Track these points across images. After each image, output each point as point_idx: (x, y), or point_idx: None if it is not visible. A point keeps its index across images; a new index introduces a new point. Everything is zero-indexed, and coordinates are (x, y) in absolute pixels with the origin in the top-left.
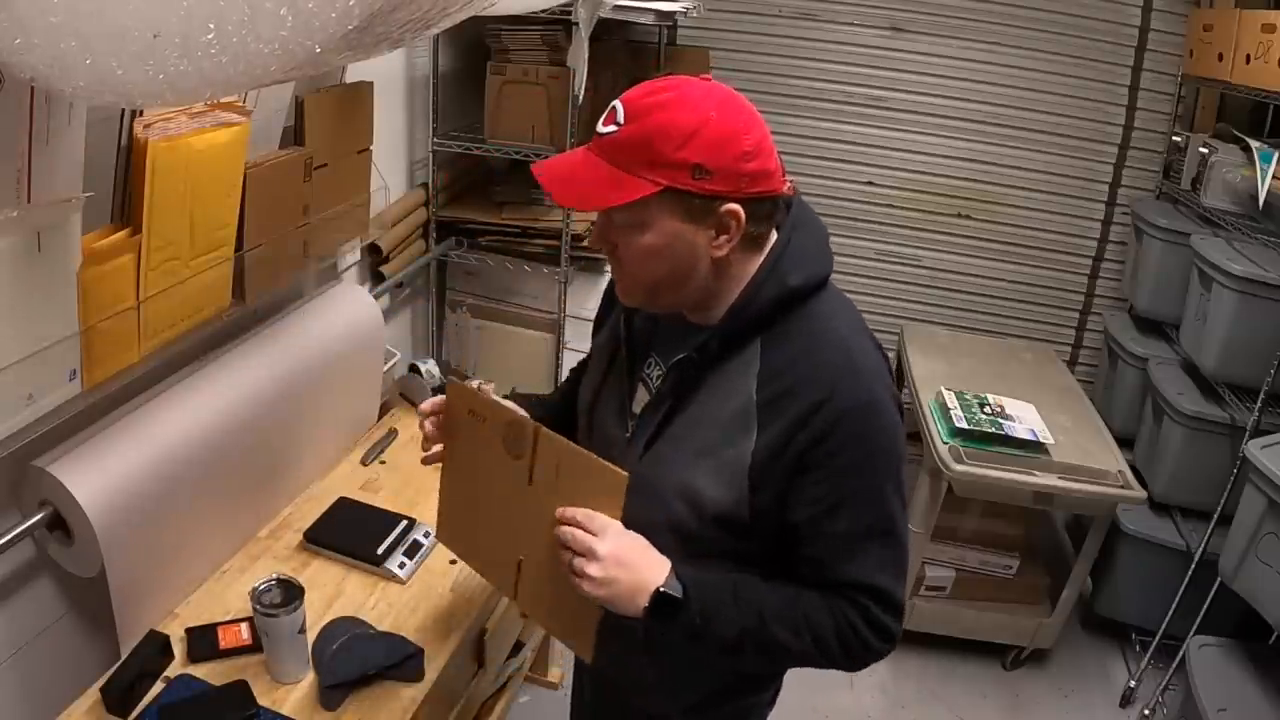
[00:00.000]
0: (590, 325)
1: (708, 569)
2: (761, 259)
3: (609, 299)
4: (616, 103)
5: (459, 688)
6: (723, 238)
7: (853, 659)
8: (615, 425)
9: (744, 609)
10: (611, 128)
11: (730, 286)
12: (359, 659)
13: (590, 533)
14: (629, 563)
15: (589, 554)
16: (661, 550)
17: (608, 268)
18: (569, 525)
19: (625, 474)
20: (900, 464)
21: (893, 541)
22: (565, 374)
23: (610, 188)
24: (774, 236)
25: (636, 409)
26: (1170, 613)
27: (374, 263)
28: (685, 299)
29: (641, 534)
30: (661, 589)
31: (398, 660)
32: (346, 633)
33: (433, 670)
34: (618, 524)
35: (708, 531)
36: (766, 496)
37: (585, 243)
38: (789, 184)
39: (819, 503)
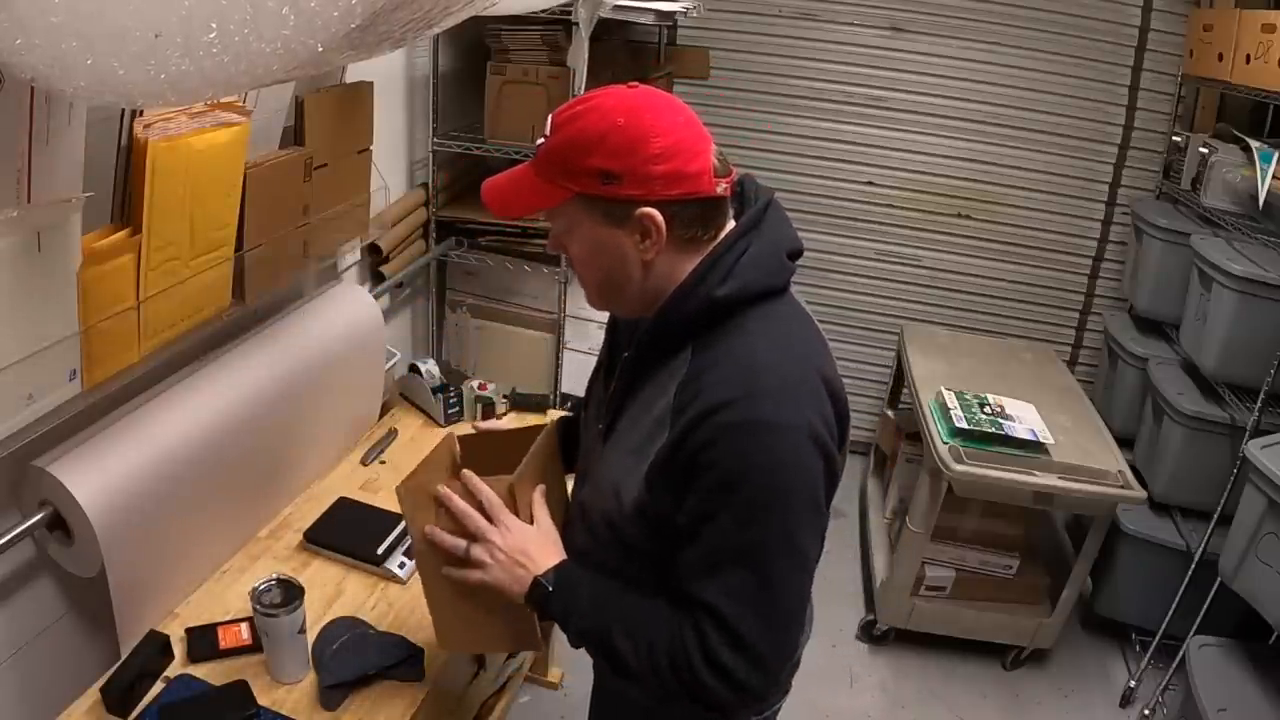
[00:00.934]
0: (590, 325)
1: (623, 579)
2: (678, 271)
3: None
4: (552, 115)
5: (459, 688)
6: (646, 241)
7: (685, 687)
8: (596, 417)
9: (597, 613)
10: (541, 140)
11: (669, 288)
12: (359, 659)
13: (489, 519)
14: (518, 550)
15: (481, 535)
16: (597, 538)
17: None
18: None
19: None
20: (790, 501)
21: (759, 577)
22: (565, 374)
23: (530, 196)
24: (722, 236)
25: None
26: (1170, 613)
27: (374, 263)
28: (633, 301)
29: (593, 522)
30: (538, 577)
31: (398, 660)
32: (346, 632)
33: (433, 670)
34: (513, 518)
35: (629, 527)
36: (660, 500)
37: None
38: (724, 185)
39: (695, 513)
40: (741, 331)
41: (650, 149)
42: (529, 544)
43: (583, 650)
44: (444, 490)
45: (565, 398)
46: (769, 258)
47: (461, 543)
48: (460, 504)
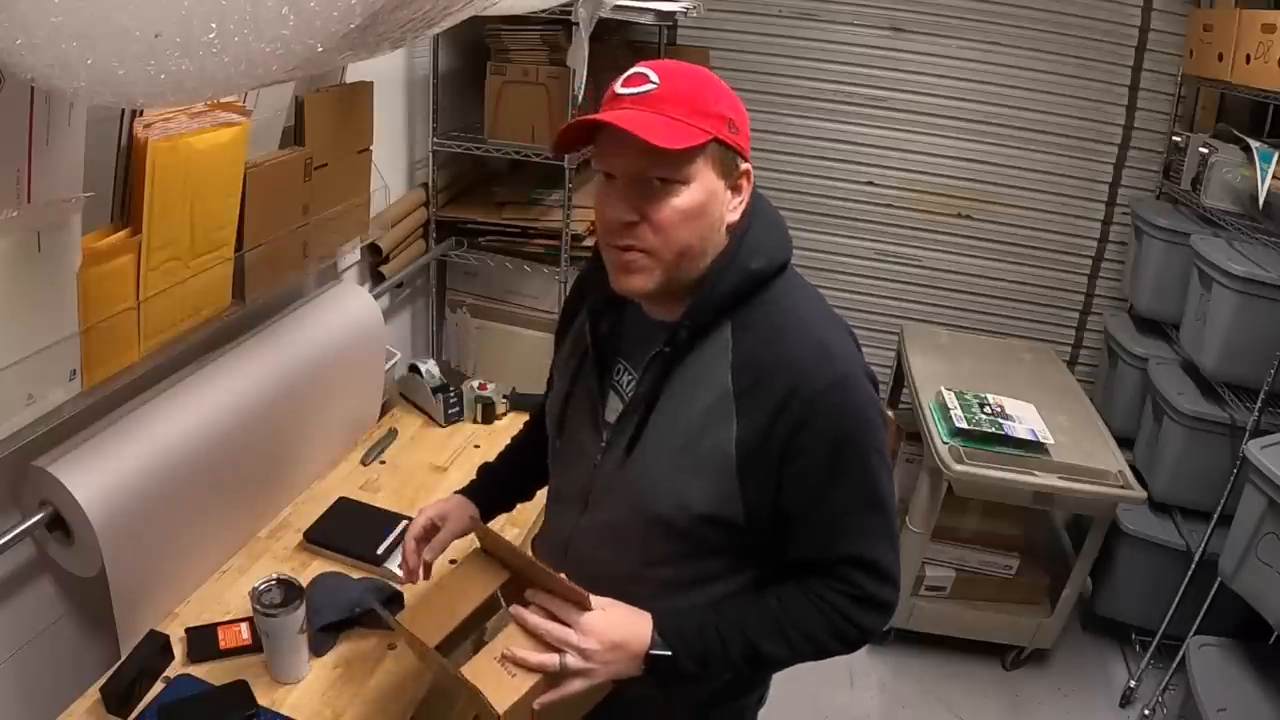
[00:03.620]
0: None
1: (698, 584)
2: (725, 243)
3: (568, 313)
4: (642, 68)
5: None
6: (737, 199)
7: (851, 645)
8: (589, 436)
9: (730, 641)
10: (648, 86)
11: (704, 267)
12: (345, 601)
13: (563, 623)
14: (610, 634)
15: (566, 644)
16: (652, 554)
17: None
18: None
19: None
20: (879, 435)
21: (881, 510)
22: None
23: (677, 131)
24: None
25: (611, 418)
26: (1170, 613)
27: (374, 263)
28: (697, 271)
29: (630, 542)
30: (651, 651)
31: (381, 600)
32: (330, 580)
33: (433, 670)
34: (584, 615)
35: (697, 529)
36: (755, 488)
37: (585, 243)
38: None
39: (809, 488)
40: (778, 302)
41: (744, 112)
42: (617, 622)
43: None
44: (516, 610)
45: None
46: (778, 231)
47: (553, 659)
48: (535, 620)
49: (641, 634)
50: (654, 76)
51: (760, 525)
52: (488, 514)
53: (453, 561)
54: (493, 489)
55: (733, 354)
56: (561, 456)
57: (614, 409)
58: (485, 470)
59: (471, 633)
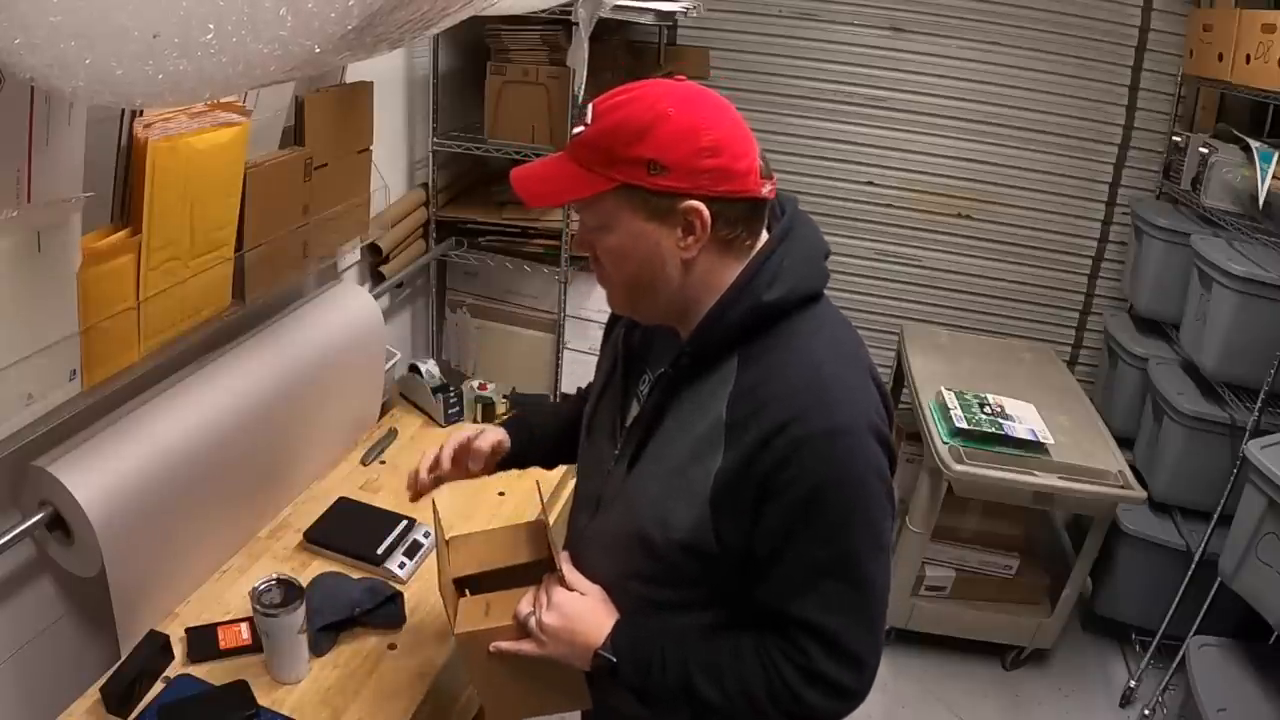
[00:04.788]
0: (590, 325)
1: (673, 609)
2: (741, 268)
3: (615, 316)
4: (589, 104)
5: (459, 688)
6: (689, 238)
7: (787, 713)
8: (607, 441)
9: (671, 668)
10: (580, 129)
11: (707, 296)
12: (344, 602)
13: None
14: (574, 620)
15: (539, 608)
16: (633, 569)
17: None
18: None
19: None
20: (870, 502)
21: (854, 584)
22: (565, 374)
23: (570, 184)
24: (760, 243)
25: (628, 424)
26: (1170, 613)
27: (374, 263)
28: (663, 305)
29: (619, 552)
30: (599, 650)
31: (379, 602)
32: (330, 580)
33: (433, 670)
34: (559, 589)
35: (675, 553)
36: (729, 523)
37: None
38: (769, 187)
39: (776, 533)
40: (793, 337)
41: (700, 142)
42: (585, 612)
43: None
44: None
45: (565, 398)
46: (809, 261)
47: (523, 612)
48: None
49: (598, 630)
50: (589, 117)
51: (733, 560)
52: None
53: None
54: (526, 440)
55: (734, 385)
56: (585, 458)
57: (632, 416)
58: (523, 425)
59: (497, 588)
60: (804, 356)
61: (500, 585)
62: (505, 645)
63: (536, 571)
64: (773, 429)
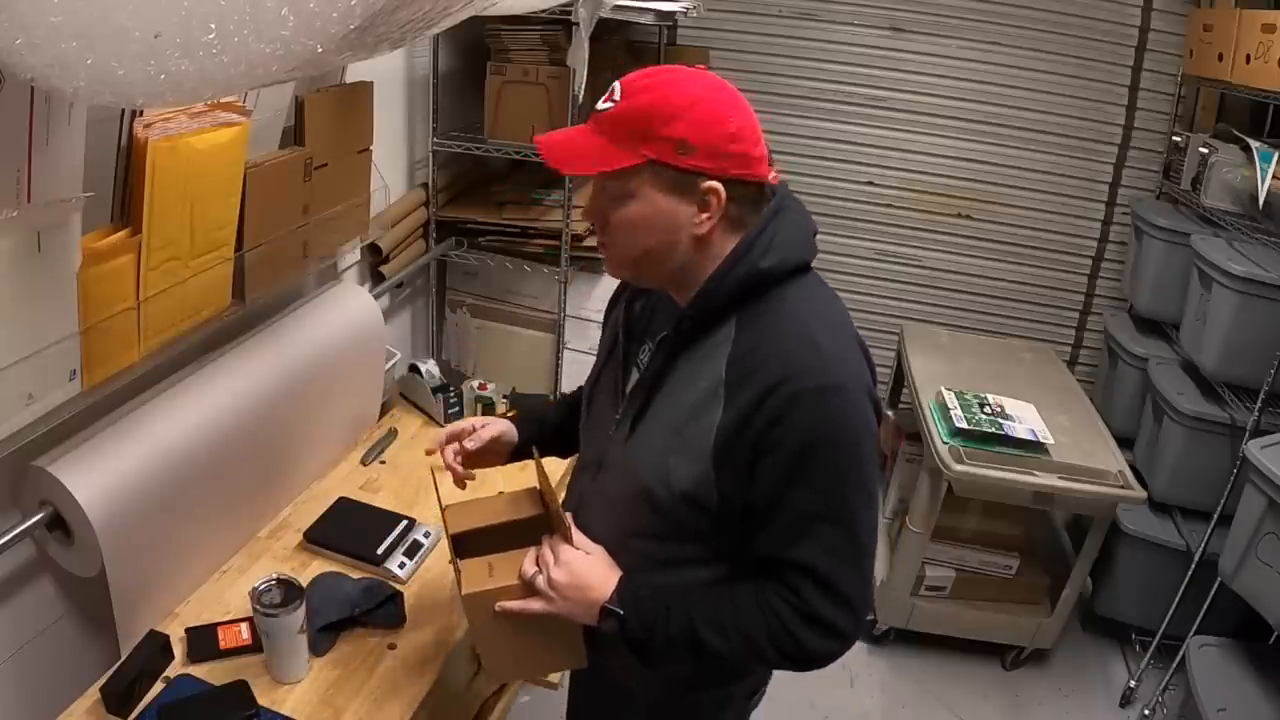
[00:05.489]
0: (590, 325)
1: (676, 565)
2: (738, 241)
3: (616, 297)
4: (616, 82)
5: (459, 687)
6: (704, 215)
7: (789, 659)
8: (609, 406)
9: (675, 620)
10: (609, 104)
11: (708, 264)
12: (344, 602)
13: (553, 554)
14: (580, 577)
15: (544, 566)
16: (636, 527)
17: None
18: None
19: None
20: (863, 457)
21: (847, 531)
22: (565, 374)
23: (600, 156)
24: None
25: (629, 390)
26: (1170, 613)
27: (374, 263)
28: (669, 274)
29: (622, 510)
30: (606, 605)
31: (379, 602)
32: (330, 580)
33: (433, 670)
34: (564, 547)
35: (678, 511)
36: (729, 477)
37: (585, 243)
38: (775, 174)
39: (774, 486)
40: (785, 302)
41: (727, 128)
42: (590, 569)
43: None
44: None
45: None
46: (800, 234)
47: (528, 571)
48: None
49: (605, 586)
50: (619, 94)
51: (733, 514)
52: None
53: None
54: (536, 426)
55: (733, 346)
56: (587, 425)
57: (633, 382)
58: (530, 418)
59: (495, 549)
60: (796, 320)
61: (499, 547)
62: (512, 605)
63: (534, 533)
64: (768, 387)
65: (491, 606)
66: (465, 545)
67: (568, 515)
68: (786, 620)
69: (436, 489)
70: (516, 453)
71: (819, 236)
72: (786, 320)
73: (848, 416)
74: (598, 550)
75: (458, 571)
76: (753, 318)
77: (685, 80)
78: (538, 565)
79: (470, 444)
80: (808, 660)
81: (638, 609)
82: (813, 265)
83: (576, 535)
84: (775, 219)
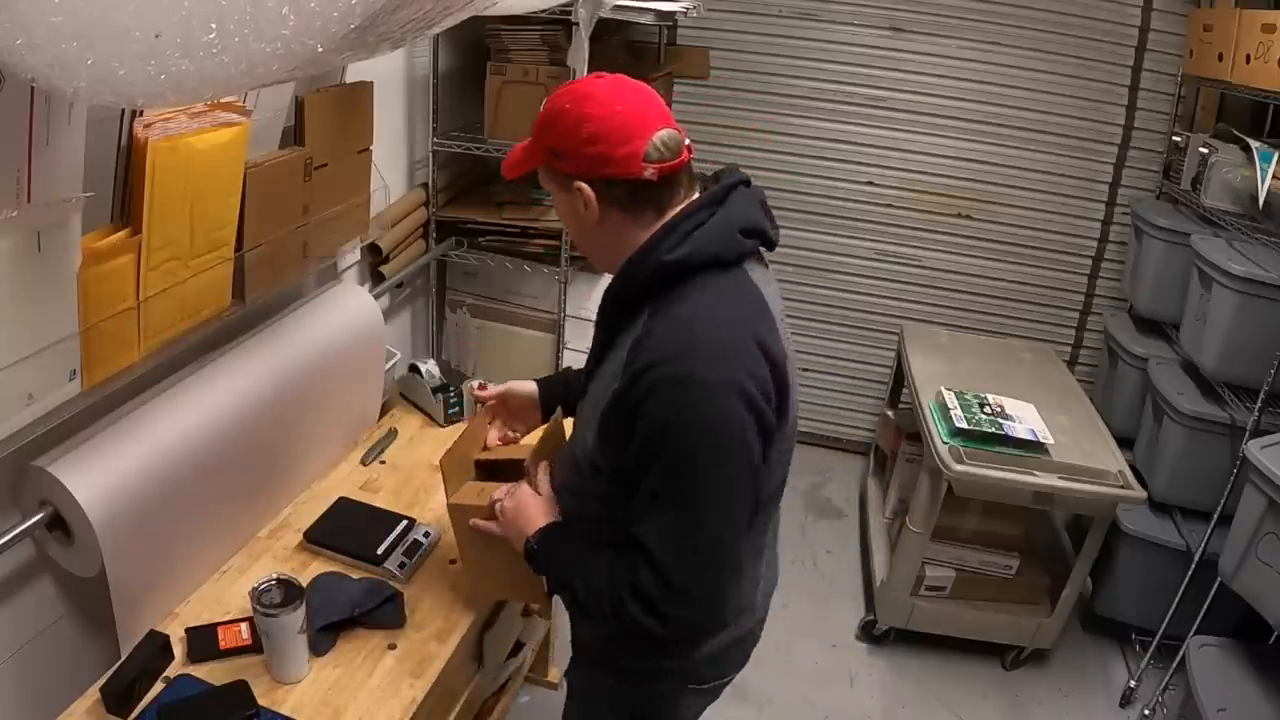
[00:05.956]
0: (590, 325)
1: (587, 522)
2: (625, 238)
3: None
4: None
5: (459, 687)
6: (587, 210)
7: (621, 620)
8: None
9: (564, 566)
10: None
11: (627, 253)
12: (344, 602)
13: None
14: (519, 512)
15: (505, 498)
16: (565, 481)
17: None
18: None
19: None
20: (720, 450)
21: (682, 515)
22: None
23: (521, 160)
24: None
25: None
26: (1170, 613)
27: (374, 263)
28: (599, 256)
29: (562, 469)
30: (528, 537)
31: (379, 602)
32: (330, 580)
33: (433, 670)
34: (524, 485)
35: (588, 470)
36: (610, 443)
37: None
38: (653, 170)
39: (636, 463)
40: (689, 294)
41: (581, 133)
42: (529, 507)
43: None
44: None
45: None
46: (721, 231)
47: (497, 495)
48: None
49: (534, 523)
50: (540, 110)
51: (621, 484)
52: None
53: (452, 561)
54: (561, 385)
55: (640, 330)
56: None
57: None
58: (554, 377)
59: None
60: (689, 311)
61: (503, 479)
62: (478, 522)
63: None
64: (645, 366)
65: (468, 520)
66: (477, 474)
67: (544, 464)
68: (621, 591)
69: (445, 484)
70: (546, 414)
71: (820, 237)
72: (682, 310)
73: (708, 411)
74: (547, 494)
75: (450, 481)
76: (663, 305)
77: (560, 94)
78: (504, 495)
79: (486, 395)
80: (642, 633)
81: (545, 548)
82: (810, 266)
83: (541, 478)
84: (702, 211)
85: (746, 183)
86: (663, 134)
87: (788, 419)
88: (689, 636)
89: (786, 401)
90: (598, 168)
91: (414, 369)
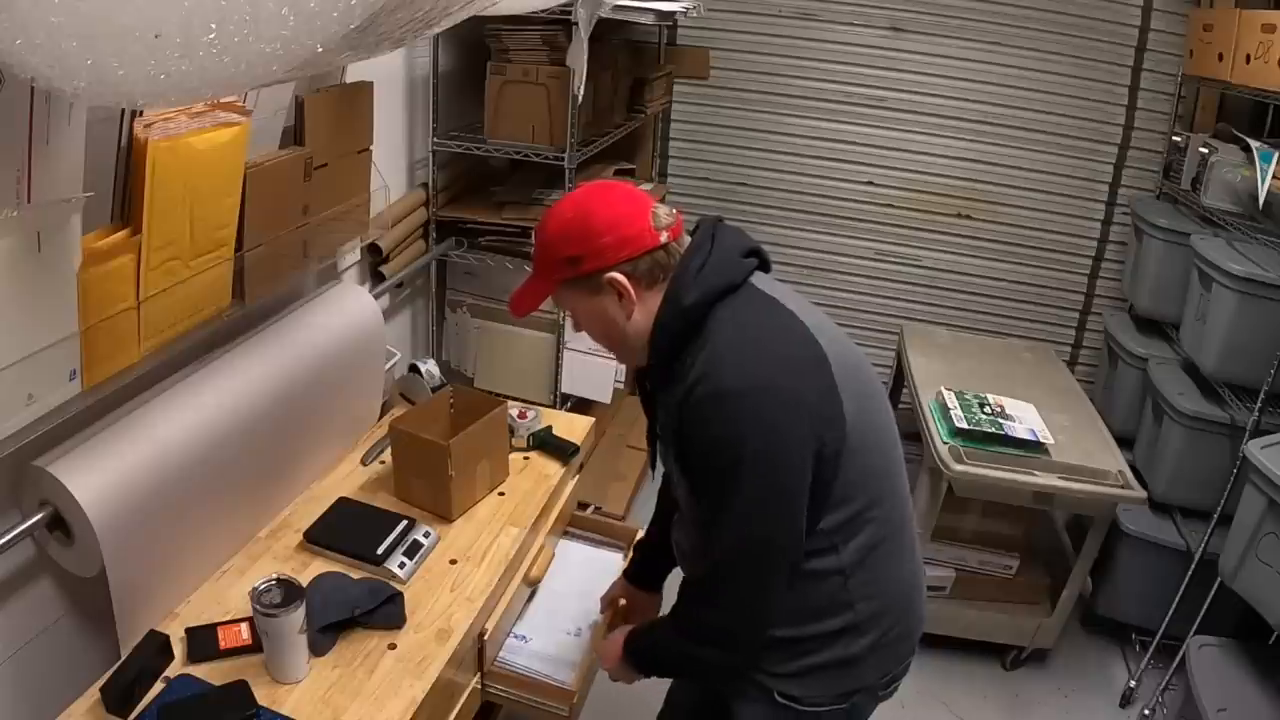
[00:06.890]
0: None
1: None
2: (645, 316)
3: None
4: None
5: (459, 688)
6: (623, 299)
7: (708, 663)
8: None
9: (648, 659)
10: (534, 251)
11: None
12: (345, 602)
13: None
14: (607, 645)
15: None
16: (690, 519)
17: None
18: None
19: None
20: (756, 457)
21: (734, 533)
22: (565, 374)
23: (534, 293)
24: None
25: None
26: (1170, 613)
27: (374, 263)
28: (633, 347)
29: (688, 509)
30: (622, 655)
31: (380, 602)
32: (330, 581)
33: (433, 670)
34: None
35: (692, 506)
36: (684, 482)
37: None
38: (666, 234)
39: (698, 479)
40: (713, 326)
41: (594, 228)
42: (611, 640)
43: None
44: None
45: (565, 398)
46: (723, 261)
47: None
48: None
49: (617, 642)
50: (533, 242)
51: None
52: (646, 578)
53: (452, 561)
54: (645, 559)
55: (681, 373)
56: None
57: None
58: (639, 545)
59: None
60: (714, 338)
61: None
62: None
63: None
64: (682, 399)
65: (406, 443)
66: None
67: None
68: (692, 608)
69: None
70: (645, 584)
71: (820, 237)
72: (711, 341)
73: (742, 419)
74: (615, 631)
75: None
76: (694, 351)
77: (555, 211)
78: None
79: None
80: (711, 655)
81: (632, 658)
82: (810, 266)
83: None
84: (696, 255)
85: (721, 221)
86: (656, 205)
87: (854, 393)
88: (743, 658)
89: (834, 375)
90: (620, 251)
91: (414, 369)
